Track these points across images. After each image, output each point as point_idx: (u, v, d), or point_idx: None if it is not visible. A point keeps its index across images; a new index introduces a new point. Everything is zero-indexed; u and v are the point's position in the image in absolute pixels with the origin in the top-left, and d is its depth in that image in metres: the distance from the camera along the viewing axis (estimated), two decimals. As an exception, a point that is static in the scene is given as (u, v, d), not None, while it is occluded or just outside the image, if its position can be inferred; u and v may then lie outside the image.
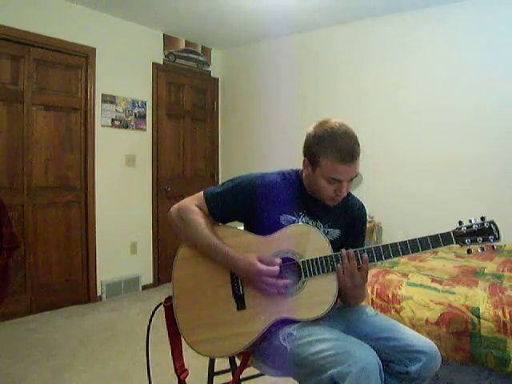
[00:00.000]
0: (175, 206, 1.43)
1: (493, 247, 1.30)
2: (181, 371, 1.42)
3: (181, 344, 1.43)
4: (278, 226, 1.38)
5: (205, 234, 1.34)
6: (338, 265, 1.31)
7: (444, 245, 1.29)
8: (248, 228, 1.47)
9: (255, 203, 1.40)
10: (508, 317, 1.69)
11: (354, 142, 1.32)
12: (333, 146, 1.30)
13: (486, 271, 2.28)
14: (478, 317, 1.74)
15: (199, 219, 1.37)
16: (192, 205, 1.40)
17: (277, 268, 1.28)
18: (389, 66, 3.78)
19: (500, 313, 1.72)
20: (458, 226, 1.30)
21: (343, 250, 1.32)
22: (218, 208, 1.41)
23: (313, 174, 1.37)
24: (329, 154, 1.30)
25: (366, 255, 1.31)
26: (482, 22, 3.35)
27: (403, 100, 3.71)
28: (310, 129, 1.39)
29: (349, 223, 1.50)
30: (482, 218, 1.29)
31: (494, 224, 1.28)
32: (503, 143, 3.26)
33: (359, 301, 1.46)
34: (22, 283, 3.32)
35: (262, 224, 1.39)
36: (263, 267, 1.27)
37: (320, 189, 1.37)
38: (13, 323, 3.16)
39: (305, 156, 1.40)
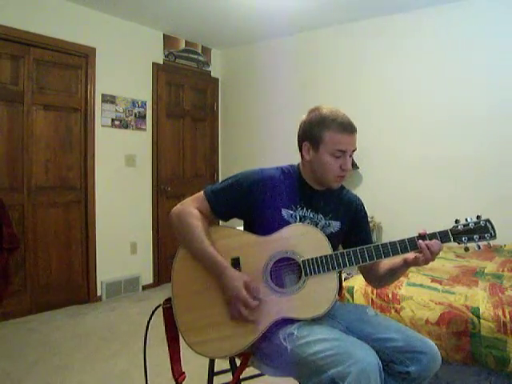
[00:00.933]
0: (177, 207, 1.43)
1: (489, 245, 1.32)
2: (178, 374, 1.42)
3: (179, 347, 1.43)
4: (279, 220, 1.38)
5: (200, 240, 1.34)
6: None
7: (442, 242, 1.30)
8: (248, 224, 1.47)
9: (255, 197, 1.40)
10: (508, 317, 1.70)
11: (349, 118, 1.41)
12: (334, 120, 1.38)
13: (486, 271, 2.28)
14: (478, 317, 1.74)
15: (197, 223, 1.36)
16: (192, 207, 1.40)
17: (256, 303, 1.28)
18: (389, 66, 3.79)
19: (500, 313, 1.72)
20: (454, 224, 1.32)
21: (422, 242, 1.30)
22: (220, 204, 1.42)
23: (316, 155, 1.40)
24: (332, 127, 1.37)
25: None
26: (483, 22, 3.35)
27: (403, 100, 3.71)
28: (304, 116, 1.46)
29: (349, 217, 1.51)
30: (478, 217, 1.31)
31: (490, 222, 1.30)
32: (504, 143, 3.27)
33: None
34: (22, 283, 3.32)
35: (263, 219, 1.40)
36: (244, 296, 1.27)
37: (325, 168, 1.39)
38: (13, 323, 3.16)
39: (304, 141, 1.43)
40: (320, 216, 1.44)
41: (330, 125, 1.37)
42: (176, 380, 1.41)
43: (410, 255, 1.33)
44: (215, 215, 1.42)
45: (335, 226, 1.46)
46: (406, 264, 1.36)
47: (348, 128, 1.38)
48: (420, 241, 1.30)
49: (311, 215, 1.43)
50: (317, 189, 1.46)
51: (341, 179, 1.44)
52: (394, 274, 1.44)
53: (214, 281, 1.35)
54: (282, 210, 1.41)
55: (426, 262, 1.31)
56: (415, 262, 1.33)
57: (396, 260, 1.40)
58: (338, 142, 1.36)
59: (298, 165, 1.51)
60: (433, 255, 1.29)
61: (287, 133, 4.06)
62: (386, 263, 1.46)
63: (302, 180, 1.47)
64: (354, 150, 1.42)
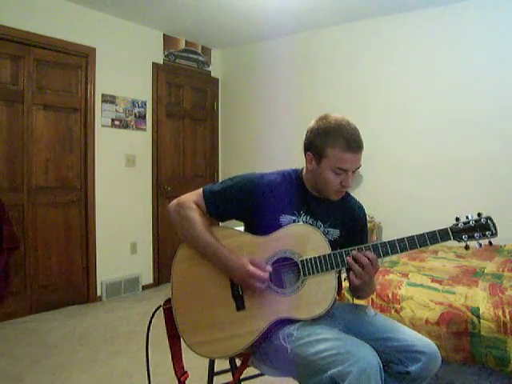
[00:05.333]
0: (174, 201, 1.44)
1: (490, 243, 1.30)
2: (181, 374, 1.42)
3: (180, 346, 1.43)
4: (278, 226, 1.38)
5: (200, 231, 1.35)
6: (352, 266, 1.29)
7: (442, 241, 1.29)
8: (248, 227, 1.47)
9: (254, 203, 1.40)
10: (508, 317, 1.69)
11: (358, 132, 1.36)
12: (340, 136, 1.32)
13: (486, 271, 2.28)
14: (478, 317, 1.74)
15: (196, 216, 1.37)
16: (190, 201, 1.40)
17: (266, 274, 1.29)
18: (389, 66, 3.79)
19: (500, 313, 1.72)
20: (455, 222, 1.30)
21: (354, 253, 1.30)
22: (215, 206, 1.41)
23: (318, 168, 1.37)
24: (336, 143, 1.32)
25: (371, 254, 1.30)
26: (483, 22, 3.35)
27: (403, 100, 3.71)
28: (312, 124, 1.40)
29: (349, 224, 1.50)
30: (479, 214, 1.29)
31: (491, 219, 1.28)
32: (503, 143, 3.27)
33: (370, 293, 1.57)
34: (22, 283, 3.32)
35: (262, 224, 1.39)
36: (253, 270, 1.28)
37: (326, 182, 1.37)
38: (13, 323, 3.16)
39: (308, 151, 1.40)
40: (319, 223, 1.44)
41: (335, 141, 1.32)
42: (179, 379, 1.41)
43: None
44: (210, 215, 1.43)
45: (334, 233, 1.46)
46: (353, 286, 1.35)
47: (353, 146, 1.32)
48: (348, 257, 1.30)
49: (310, 222, 1.43)
50: (317, 196, 1.45)
51: (340, 193, 1.42)
52: (358, 290, 1.44)
53: (213, 281, 1.36)
54: (282, 215, 1.40)
55: (359, 277, 1.28)
56: (353, 283, 1.31)
57: None
58: (340, 160, 1.32)
59: (302, 169, 1.49)
60: (365, 268, 1.27)
61: (287, 133, 4.09)
62: None
63: (303, 186, 1.46)
64: (358, 167, 1.37)
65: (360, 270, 1.29)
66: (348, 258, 1.30)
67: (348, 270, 1.34)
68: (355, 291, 1.47)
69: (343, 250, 1.33)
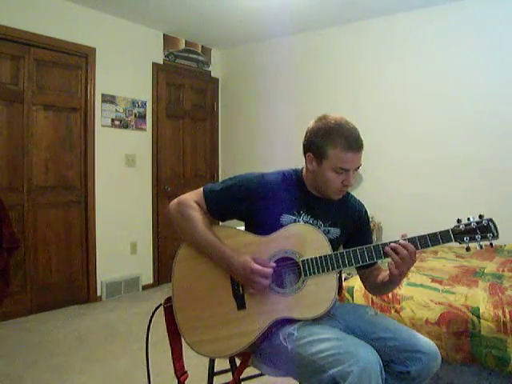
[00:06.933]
0: (175, 200, 1.44)
1: (491, 244, 1.29)
2: (180, 373, 1.42)
3: (181, 346, 1.43)
4: (279, 226, 1.38)
5: (202, 230, 1.35)
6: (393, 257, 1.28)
7: (443, 242, 1.29)
8: (248, 227, 1.47)
9: (254, 203, 1.40)
10: (508, 317, 1.70)
11: (357, 131, 1.36)
12: (340, 136, 1.32)
13: (485, 271, 2.28)
14: (478, 317, 1.74)
15: (197, 215, 1.38)
16: (191, 201, 1.41)
17: (270, 270, 1.29)
18: (388, 67, 3.79)
19: (500, 313, 1.72)
20: (456, 224, 1.29)
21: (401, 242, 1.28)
22: (216, 205, 1.41)
23: (319, 168, 1.37)
24: (337, 143, 1.32)
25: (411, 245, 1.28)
26: (479, 23, 3.35)
27: (403, 100, 3.71)
28: (311, 124, 1.40)
29: (351, 223, 1.50)
30: (481, 216, 1.29)
31: (492, 221, 1.28)
32: (503, 143, 3.27)
33: (394, 288, 1.52)
34: (22, 283, 3.32)
35: (263, 223, 1.39)
36: (257, 266, 1.28)
37: (327, 182, 1.37)
38: (13, 323, 3.16)
39: (308, 151, 1.40)
40: (320, 222, 1.44)
41: (336, 141, 1.32)
42: (178, 379, 1.41)
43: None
44: (210, 215, 1.43)
45: (334, 232, 1.46)
46: (391, 276, 1.34)
47: (354, 146, 1.33)
48: (386, 247, 1.29)
49: (311, 221, 1.43)
50: (318, 196, 1.46)
51: (342, 193, 1.43)
52: (387, 285, 1.43)
53: (214, 280, 1.36)
54: (283, 215, 1.40)
55: (398, 267, 1.27)
56: (392, 273, 1.30)
57: (386, 273, 1.40)
58: (342, 160, 1.33)
59: (302, 169, 1.49)
60: (403, 260, 1.26)
61: (287, 133, 4.09)
62: (382, 274, 1.45)
63: (303, 186, 1.46)
64: (358, 166, 1.38)
65: (400, 261, 1.27)
66: (387, 248, 1.28)
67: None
68: (384, 285, 1.43)
69: (344, 251, 1.33)
